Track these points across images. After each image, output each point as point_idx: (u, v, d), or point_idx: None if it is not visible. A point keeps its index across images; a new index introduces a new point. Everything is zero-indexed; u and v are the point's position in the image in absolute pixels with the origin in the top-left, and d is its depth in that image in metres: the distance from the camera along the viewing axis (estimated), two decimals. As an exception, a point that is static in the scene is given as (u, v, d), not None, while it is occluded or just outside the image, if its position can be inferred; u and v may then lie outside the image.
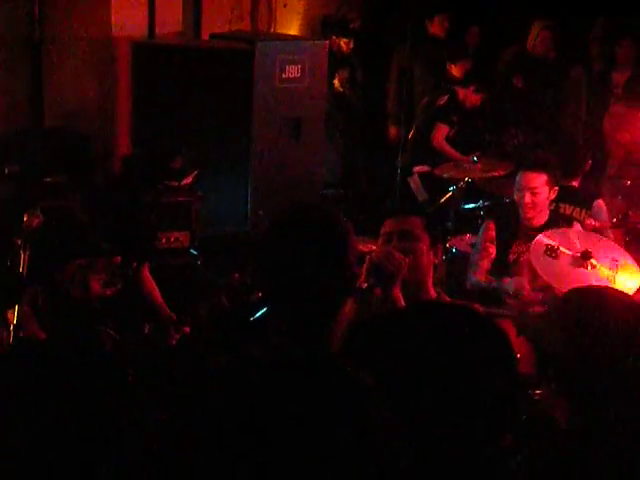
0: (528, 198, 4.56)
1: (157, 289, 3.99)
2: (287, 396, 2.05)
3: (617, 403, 1.99)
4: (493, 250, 4.76)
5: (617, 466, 1.95)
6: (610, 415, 1.97)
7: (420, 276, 3.29)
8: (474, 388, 1.71)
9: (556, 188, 4.64)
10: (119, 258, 3.70)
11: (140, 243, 3.90)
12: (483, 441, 1.72)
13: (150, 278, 4.01)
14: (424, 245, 3.30)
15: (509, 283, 4.52)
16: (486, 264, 4.76)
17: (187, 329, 3.71)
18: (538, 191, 4.56)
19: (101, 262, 3.67)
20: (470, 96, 7.04)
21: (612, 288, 2.39)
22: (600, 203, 5.22)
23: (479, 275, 4.73)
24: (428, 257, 3.33)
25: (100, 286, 3.67)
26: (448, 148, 6.90)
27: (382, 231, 3.42)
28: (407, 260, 3.09)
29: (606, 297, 2.12)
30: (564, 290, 3.93)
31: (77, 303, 3.59)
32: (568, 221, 4.80)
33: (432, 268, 3.38)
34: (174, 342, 3.68)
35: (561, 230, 4.43)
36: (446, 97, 6.90)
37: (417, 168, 6.66)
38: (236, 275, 3.66)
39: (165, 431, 2.27)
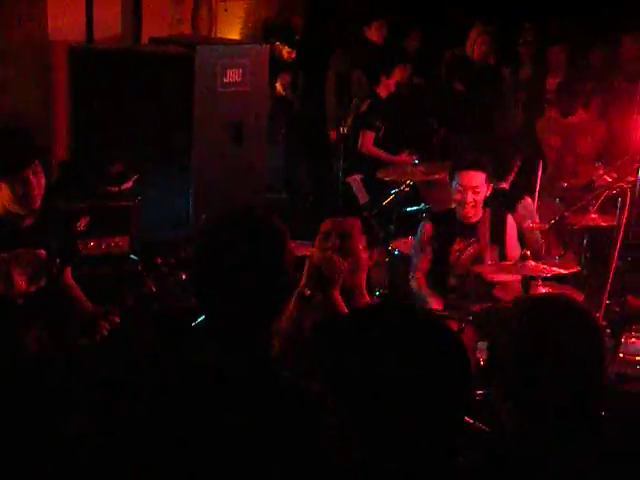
0: (470, 197, 4.65)
1: (82, 293, 3.92)
2: (225, 404, 2.05)
3: (556, 410, 2.02)
4: (430, 250, 4.83)
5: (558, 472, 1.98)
6: (549, 420, 2.00)
7: (356, 278, 3.34)
8: (426, 392, 1.73)
9: (491, 185, 4.75)
10: (44, 252, 3.67)
11: (65, 243, 3.83)
12: (435, 444, 1.74)
13: (73, 281, 3.94)
14: (360, 245, 3.37)
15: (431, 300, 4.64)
16: (425, 264, 4.84)
17: (116, 318, 3.65)
18: (479, 189, 4.66)
19: (25, 256, 3.64)
20: (389, 86, 7.06)
21: (569, 297, 2.43)
22: (527, 201, 5.32)
23: (419, 276, 4.81)
24: (365, 259, 3.40)
25: (24, 281, 3.63)
26: (378, 152, 6.94)
27: (321, 230, 3.46)
28: (347, 264, 3.13)
29: (556, 304, 2.14)
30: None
31: None
32: (500, 214, 4.91)
33: (367, 270, 3.44)
34: (105, 332, 3.63)
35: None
36: (368, 102, 6.90)
37: (349, 178, 6.68)
38: (158, 259, 3.63)
39: (92, 438, 2.25)
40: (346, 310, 3.11)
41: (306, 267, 3.14)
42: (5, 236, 3.62)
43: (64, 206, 4.33)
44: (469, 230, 4.75)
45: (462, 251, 4.76)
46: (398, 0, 8.72)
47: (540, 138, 6.66)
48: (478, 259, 4.72)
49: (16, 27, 5.83)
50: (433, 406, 1.72)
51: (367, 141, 6.88)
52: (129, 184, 5.39)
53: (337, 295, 3.14)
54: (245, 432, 2.01)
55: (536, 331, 2.03)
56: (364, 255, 3.39)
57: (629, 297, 5.10)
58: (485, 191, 4.71)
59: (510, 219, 4.86)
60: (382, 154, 6.90)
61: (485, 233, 4.75)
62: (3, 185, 3.52)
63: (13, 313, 3.66)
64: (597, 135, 6.45)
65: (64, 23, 5.86)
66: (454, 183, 4.73)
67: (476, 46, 7.60)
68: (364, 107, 6.90)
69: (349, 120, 6.96)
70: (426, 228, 4.89)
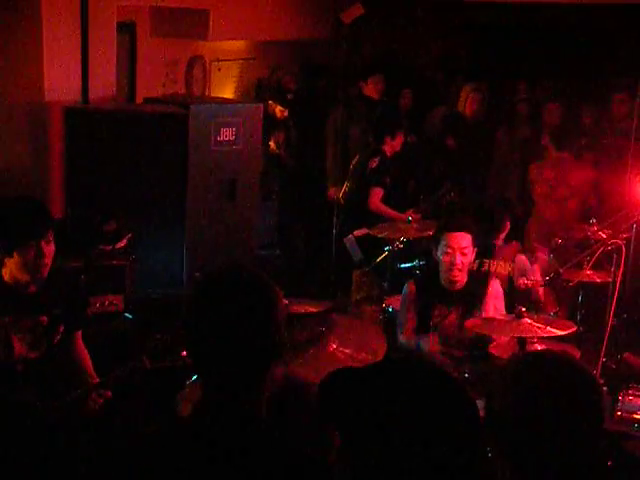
0: (459, 259, 4.61)
1: (88, 358, 3.90)
2: (218, 465, 2.03)
3: (555, 470, 2.00)
4: (415, 310, 4.81)
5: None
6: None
7: None
8: (438, 441, 1.73)
9: (476, 249, 4.73)
10: (45, 318, 3.64)
11: (72, 308, 3.82)
12: None
13: (82, 346, 3.92)
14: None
15: (424, 342, 4.60)
16: (412, 323, 4.80)
17: (108, 393, 3.62)
18: (467, 251, 4.63)
19: (26, 321, 3.61)
20: (394, 146, 7.11)
21: (567, 355, 2.42)
22: (521, 257, 5.33)
23: (407, 333, 4.78)
24: None
25: (23, 347, 3.59)
26: (386, 209, 6.96)
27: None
28: None
29: (556, 364, 2.11)
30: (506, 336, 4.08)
31: None
32: (484, 277, 4.89)
33: None
34: (97, 407, 3.59)
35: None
36: (377, 159, 6.95)
37: (356, 232, 6.67)
38: (157, 335, 3.59)
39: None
40: None
41: None
42: (8, 302, 3.60)
43: (62, 266, 4.30)
44: (450, 297, 4.70)
45: (443, 317, 4.72)
46: (389, 58, 8.86)
47: (534, 180, 6.70)
48: (460, 325, 4.66)
49: (12, 87, 5.88)
50: (444, 457, 1.71)
51: (376, 198, 6.89)
52: (123, 243, 5.39)
53: None
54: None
55: (533, 390, 2.02)
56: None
57: (626, 354, 5.09)
58: (472, 253, 4.70)
59: (493, 283, 4.82)
60: (390, 211, 6.92)
61: (465, 301, 4.71)
62: (15, 253, 3.52)
63: (12, 380, 3.63)
64: (587, 172, 6.51)
65: (60, 84, 5.90)
66: (441, 245, 4.67)
67: (467, 104, 7.69)
68: (373, 164, 6.91)
69: (352, 175, 7.01)
70: (410, 288, 4.88)
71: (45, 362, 3.66)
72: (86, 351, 3.90)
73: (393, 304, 5.99)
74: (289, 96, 8.14)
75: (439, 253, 4.69)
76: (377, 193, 6.90)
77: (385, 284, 6.39)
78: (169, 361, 3.53)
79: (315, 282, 6.39)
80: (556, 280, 4.97)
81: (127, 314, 5.37)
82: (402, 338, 4.81)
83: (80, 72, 6.02)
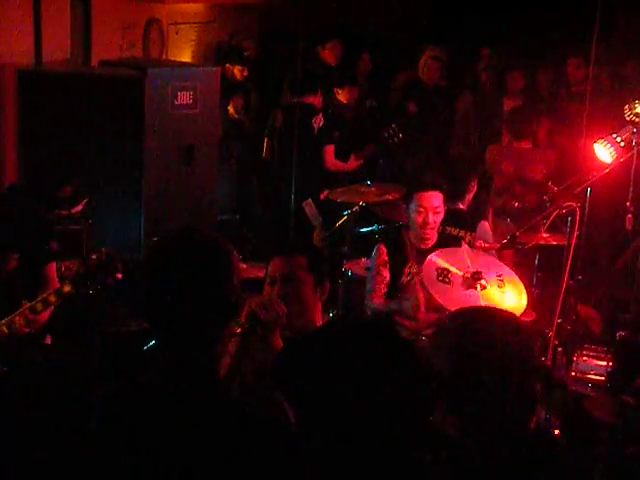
0: (431, 218, 4.62)
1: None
2: (174, 426, 2.03)
3: (492, 420, 2.04)
4: (387, 274, 4.80)
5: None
6: (488, 432, 2.03)
7: (307, 318, 3.26)
8: (387, 400, 1.77)
9: (444, 208, 4.74)
10: None
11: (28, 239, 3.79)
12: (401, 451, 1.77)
13: (53, 280, 3.89)
14: (308, 287, 3.27)
15: (405, 303, 4.58)
16: (382, 288, 4.79)
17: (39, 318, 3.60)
18: (439, 210, 4.65)
19: None
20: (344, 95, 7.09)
21: (498, 309, 2.46)
22: (484, 224, 5.36)
23: (377, 300, 4.77)
24: (314, 298, 3.30)
25: None
26: (342, 165, 6.97)
27: (268, 272, 3.37)
28: (285, 310, 3.02)
29: (489, 318, 2.18)
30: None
31: None
32: (456, 240, 4.90)
33: (320, 306, 3.36)
34: (26, 330, 3.55)
35: (451, 250, 4.52)
36: (320, 116, 6.91)
37: (303, 202, 6.65)
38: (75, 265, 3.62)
39: (44, 469, 2.21)
40: None
41: (245, 310, 3.09)
42: None
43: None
44: (421, 255, 4.72)
45: (413, 276, 4.73)
46: (349, 23, 8.80)
47: (491, 164, 6.71)
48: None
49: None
50: (394, 414, 1.74)
51: (330, 156, 6.89)
52: (79, 207, 5.33)
53: (276, 339, 3.02)
54: (197, 457, 1.99)
55: (468, 343, 2.09)
56: (313, 295, 3.29)
57: (579, 306, 5.15)
58: (443, 212, 4.70)
59: (465, 246, 4.83)
60: (348, 165, 6.95)
61: None
62: None
63: None
64: (547, 161, 6.53)
65: (12, 45, 5.79)
66: (413, 205, 4.68)
67: (425, 70, 7.70)
68: (318, 123, 6.89)
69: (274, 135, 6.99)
70: (380, 251, 4.86)
71: None
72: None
73: (352, 268, 6.01)
74: (246, 53, 8.04)
75: (410, 212, 4.70)
76: (330, 150, 6.89)
77: (344, 248, 6.40)
78: (88, 286, 3.53)
79: (273, 247, 6.37)
80: (512, 243, 5.01)
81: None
82: (372, 304, 4.77)
83: (33, 33, 5.90)
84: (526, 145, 6.57)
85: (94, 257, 3.55)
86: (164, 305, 2.11)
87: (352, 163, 7.05)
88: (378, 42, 8.86)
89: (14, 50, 5.81)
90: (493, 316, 2.22)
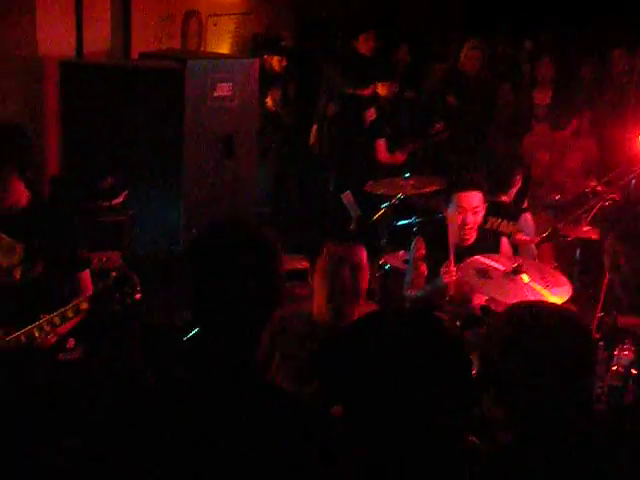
0: (470, 218, 4.56)
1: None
2: (217, 415, 2.04)
3: (545, 415, 2.02)
4: (424, 268, 4.78)
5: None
6: (538, 427, 2.01)
7: (356, 306, 3.32)
8: (432, 391, 1.77)
9: (486, 205, 4.70)
10: (20, 246, 3.62)
11: (57, 246, 3.74)
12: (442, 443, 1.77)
13: (86, 288, 3.85)
14: (367, 275, 3.36)
15: (439, 277, 4.55)
16: (420, 282, 4.77)
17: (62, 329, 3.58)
18: (479, 210, 4.59)
19: (4, 243, 3.59)
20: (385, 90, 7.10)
21: (551, 303, 2.44)
22: (527, 216, 5.31)
23: (415, 290, 4.77)
24: (365, 288, 3.38)
25: None
26: (392, 158, 6.96)
27: (329, 252, 3.36)
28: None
29: (542, 314, 2.14)
30: (504, 300, 4.08)
31: None
32: (496, 236, 4.86)
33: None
34: (51, 341, 3.55)
35: (489, 255, 4.51)
36: (372, 110, 6.89)
37: (342, 194, 6.65)
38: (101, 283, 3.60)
39: (79, 459, 2.23)
40: None
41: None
42: None
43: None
44: (461, 252, 4.69)
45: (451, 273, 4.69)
46: (387, 14, 8.77)
47: (528, 155, 6.64)
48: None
49: (6, 42, 5.81)
50: (438, 405, 1.74)
51: (382, 149, 6.88)
52: (120, 199, 5.38)
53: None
54: (241, 444, 2.00)
55: (527, 337, 2.06)
56: (365, 285, 3.37)
57: (618, 317, 5.09)
58: (483, 210, 4.65)
59: (504, 241, 4.80)
60: (398, 158, 6.94)
61: None
62: None
63: None
64: (587, 149, 6.46)
65: (54, 38, 5.84)
66: (452, 204, 4.63)
67: (466, 61, 7.63)
68: (371, 117, 6.88)
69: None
70: (419, 244, 4.84)
71: (20, 293, 3.63)
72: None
73: (390, 261, 5.99)
74: (283, 43, 8.03)
75: (449, 210, 4.66)
76: (382, 144, 6.87)
77: (382, 241, 6.38)
78: (106, 304, 3.51)
79: (311, 239, 6.37)
80: (553, 236, 4.96)
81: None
82: (410, 292, 4.76)
83: (74, 25, 5.95)
84: (565, 134, 6.51)
85: (113, 275, 3.49)
86: (210, 295, 2.13)
87: (398, 157, 7.01)
88: (413, 33, 8.82)
89: (56, 42, 5.86)
90: (551, 309, 2.19)
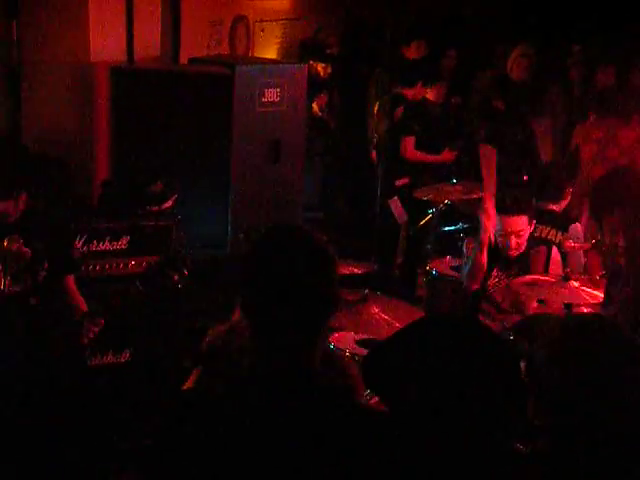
0: (514, 241, 4.57)
1: (83, 303, 3.93)
2: (277, 422, 2.05)
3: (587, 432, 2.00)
4: (484, 259, 4.75)
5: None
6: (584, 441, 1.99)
7: None
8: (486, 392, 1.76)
9: (534, 222, 4.68)
10: (28, 250, 3.69)
11: (55, 246, 3.85)
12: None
13: (75, 291, 3.95)
14: None
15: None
16: (480, 275, 4.73)
17: (102, 321, 3.66)
18: (522, 233, 4.59)
19: (11, 251, 3.68)
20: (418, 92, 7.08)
21: (598, 313, 2.42)
22: (577, 226, 5.27)
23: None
24: None
25: (5, 279, 3.67)
26: (422, 155, 6.93)
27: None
28: None
29: (607, 330, 2.12)
30: (557, 300, 4.07)
31: None
32: (545, 244, 4.83)
33: None
34: (92, 335, 3.63)
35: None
36: (401, 108, 6.86)
37: (398, 182, 6.65)
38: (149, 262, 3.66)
39: (150, 457, 2.24)
40: None
41: None
42: None
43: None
44: (509, 263, 4.66)
45: (499, 282, 4.68)
46: (434, 20, 8.74)
47: (580, 144, 6.57)
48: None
49: (59, 48, 5.90)
50: (483, 410, 1.73)
51: (410, 146, 6.84)
52: (169, 203, 5.41)
53: None
54: (300, 448, 2.01)
55: (580, 354, 2.03)
56: None
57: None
58: (528, 230, 4.63)
59: (554, 251, 4.78)
60: (427, 156, 6.90)
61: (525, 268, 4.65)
62: None
63: None
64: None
65: (105, 44, 5.91)
66: (497, 226, 4.61)
67: (514, 68, 7.58)
68: (398, 113, 6.87)
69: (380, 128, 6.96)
70: (469, 246, 4.85)
71: (29, 298, 3.71)
72: (81, 298, 3.94)
73: (437, 267, 5.97)
74: (329, 50, 8.05)
75: (495, 232, 4.61)
76: (409, 142, 6.85)
77: (429, 247, 6.37)
78: (159, 284, 3.57)
79: (359, 244, 6.38)
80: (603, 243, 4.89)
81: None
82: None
83: (125, 32, 6.02)
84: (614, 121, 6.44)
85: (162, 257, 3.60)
86: (268, 299, 2.13)
87: (445, 155, 6.98)
88: (461, 39, 8.79)
89: (107, 48, 5.93)
90: (606, 325, 2.16)
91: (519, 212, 4.57)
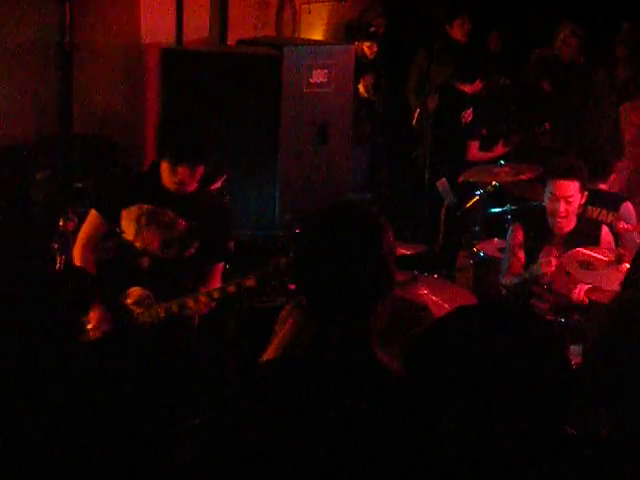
0: (563, 207, 4.52)
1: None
2: (334, 396, 2.07)
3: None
4: (522, 255, 4.74)
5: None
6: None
7: None
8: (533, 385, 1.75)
9: (586, 193, 4.62)
10: (183, 222, 3.87)
11: (211, 232, 3.97)
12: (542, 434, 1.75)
13: (217, 280, 4.01)
14: None
15: (537, 265, 4.51)
16: (517, 269, 4.73)
17: (213, 304, 3.71)
18: (572, 199, 4.53)
19: (164, 216, 3.89)
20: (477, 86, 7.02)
21: None
22: (628, 205, 5.21)
23: (509, 276, 4.73)
24: None
25: (155, 240, 3.86)
26: (486, 155, 6.88)
27: None
28: None
29: None
30: (609, 287, 4.04)
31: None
32: (596, 225, 4.79)
33: None
34: (201, 312, 3.72)
35: (589, 248, 4.48)
36: (470, 112, 6.77)
37: (438, 182, 6.60)
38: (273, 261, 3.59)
39: (202, 436, 2.28)
40: None
41: None
42: (155, 194, 3.87)
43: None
44: (559, 241, 4.63)
45: (549, 261, 4.63)
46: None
47: (624, 121, 6.49)
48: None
49: (110, 30, 5.96)
50: (539, 398, 1.72)
51: (475, 150, 6.82)
52: (219, 184, 5.45)
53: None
54: (357, 426, 2.03)
55: (627, 332, 1.99)
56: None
57: None
58: (580, 199, 4.58)
59: (605, 230, 4.73)
60: (489, 155, 6.87)
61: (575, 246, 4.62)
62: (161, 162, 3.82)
63: (136, 273, 3.85)
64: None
65: (155, 26, 5.96)
66: (547, 191, 4.61)
67: (564, 46, 7.49)
68: (467, 118, 6.78)
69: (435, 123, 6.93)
70: (516, 231, 4.80)
71: (171, 267, 3.82)
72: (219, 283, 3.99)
73: (484, 249, 5.95)
74: (372, 29, 8.00)
75: (545, 197, 4.63)
76: (474, 146, 6.81)
77: (476, 228, 6.34)
78: (274, 287, 3.56)
79: (405, 226, 6.37)
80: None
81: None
82: (505, 281, 4.74)
83: (175, 14, 6.06)
84: None
85: (284, 261, 3.55)
86: (324, 277, 2.14)
87: (499, 150, 6.92)
88: (508, 18, 8.69)
89: (157, 30, 5.98)
90: None
91: (570, 176, 4.52)
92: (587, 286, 4.44)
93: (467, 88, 6.87)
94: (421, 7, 8.68)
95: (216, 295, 3.65)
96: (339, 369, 2.10)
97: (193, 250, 3.88)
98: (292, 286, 3.46)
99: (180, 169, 3.76)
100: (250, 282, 3.58)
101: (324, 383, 2.10)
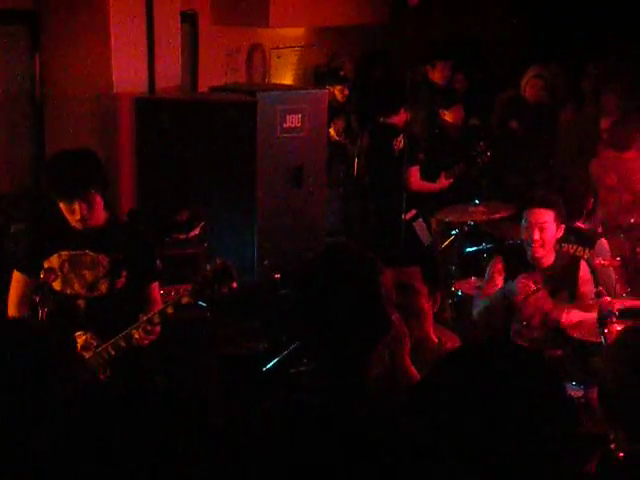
0: (537, 234, 4.58)
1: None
2: (331, 442, 2.06)
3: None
4: (500, 281, 4.77)
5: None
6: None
7: (423, 329, 3.15)
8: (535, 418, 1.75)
9: (562, 226, 4.68)
10: (104, 258, 3.85)
11: (136, 255, 3.98)
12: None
13: (157, 299, 4.06)
14: (423, 297, 3.15)
15: (514, 282, 4.52)
16: (491, 291, 4.76)
17: (157, 329, 3.75)
18: (546, 226, 4.59)
19: (84, 258, 3.87)
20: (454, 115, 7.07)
21: None
22: (603, 242, 5.29)
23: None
24: (428, 308, 3.17)
25: (81, 285, 3.86)
26: (427, 185, 6.91)
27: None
28: (407, 327, 2.82)
29: None
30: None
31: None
32: (574, 260, 4.83)
33: (431, 316, 3.22)
34: (146, 341, 3.74)
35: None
36: (400, 138, 6.77)
37: (407, 215, 6.60)
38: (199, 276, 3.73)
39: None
40: (415, 374, 2.78)
41: None
42: (68, 237, 3.86)
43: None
44: (540, 275, 4.66)
45: (528, 295, 4.66)
46: (452, 44, 8.79)
47: (595, 179, 6.59)
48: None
49: (82, 80, 5.95)
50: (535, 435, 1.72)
51: (414, 177, 6.78)
52: (196, 231, 5.44)
53: (406, 360, 2.78)
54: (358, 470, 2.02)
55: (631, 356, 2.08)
56: (428, 305, 3.16)
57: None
58: (554, 230, 4.63)
59: (583, 265, 4.78)
60: (433, 186, 6.91)
61: (553, 280, 4.66)
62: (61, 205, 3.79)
63: (74, 316, 3.87)
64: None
65: (128, 75, 5.96)
66: (523, 221, 4.68)
67: (527, 89, 7.64)
68: (399, 145, 6.77)
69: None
70: (496, 262, 4.84)
71: (107, 303, 3.85)
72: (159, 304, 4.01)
73: (461, 288, 5.99)
74: (342, 73, 8.09)
75: (522, 230, 4.68)
76: (414, 172, 6.79)
77: (453, 267, 6.38)
78: (210, 296, 3.70)
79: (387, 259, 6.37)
80: (634, 259, 4.92)
81: (201, 302, 5.42)
82: (477, 303, 4.76)
83: (146, 62, 6.06)
84: (631, 155, 6.46)
85: (209, 267, 3.71)
86: (321, 323, 2.15)
87: (442, 182, 6.97)
88: (477, 60, 8.84)
89: (129, 79, 5.97)
90: None
91: (544, 205, 4.60)
92: (578, 311, 4.49)
93: (395, 119, 6.90)
94: (393, 51, 8.79)
95: (157, 320, 3.70)
96: (338, 413, 2.10)
97: (124, 279, 3.91)
98: (225, 290, 3.63)
99: (75, 205, 3.74)
100: (185, 299, 3.70)
101: (322, 429, 2.09)
